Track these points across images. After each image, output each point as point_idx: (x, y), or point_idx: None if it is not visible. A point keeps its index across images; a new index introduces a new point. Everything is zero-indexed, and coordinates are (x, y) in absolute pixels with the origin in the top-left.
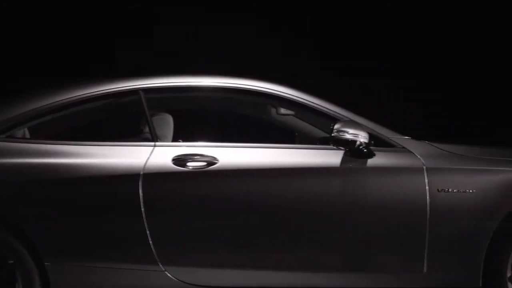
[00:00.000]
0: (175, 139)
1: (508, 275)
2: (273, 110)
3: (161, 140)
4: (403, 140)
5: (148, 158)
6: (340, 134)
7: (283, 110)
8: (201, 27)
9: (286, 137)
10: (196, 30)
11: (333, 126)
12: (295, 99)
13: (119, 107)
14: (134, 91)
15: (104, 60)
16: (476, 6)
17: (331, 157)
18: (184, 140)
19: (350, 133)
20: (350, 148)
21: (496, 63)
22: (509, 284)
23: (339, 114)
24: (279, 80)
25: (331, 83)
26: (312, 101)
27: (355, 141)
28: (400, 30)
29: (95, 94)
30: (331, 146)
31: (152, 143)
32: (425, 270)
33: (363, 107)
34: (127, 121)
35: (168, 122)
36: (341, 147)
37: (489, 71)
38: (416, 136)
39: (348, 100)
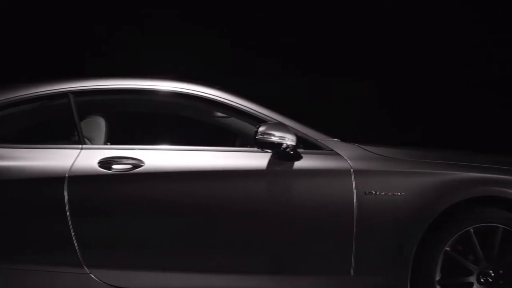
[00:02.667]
0: (113, 142)
1: (437, 278)
2: (212, 112)
3: (91, 143)
4: (332, 143)
5: (74, 161)
6: (265, 136)
7: (219, 113)
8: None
9: (226, 139)
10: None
11: (258, 128)
12: (221, 101)
13: (49, 110)
14: (64, 94)
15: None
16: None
17: (257, 160)
18: (115, 143)
19: (276, 136)
20: (276, 150)
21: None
22: (438, 287)
23: (268, 116)
24: (211, 82)
25: (273, 83)
26: (240, 103)
27: (281, 144)
28: (363, 30)
29: (24, 97)
30: (257, 149)
31: (79, 146)
32: (352, 273)
33: (300, 108)
34: (57, 124)
35: (98, 125)
36: (267, 150)
37: (457, 75)
38: (346, 138)
39: (284, 101)
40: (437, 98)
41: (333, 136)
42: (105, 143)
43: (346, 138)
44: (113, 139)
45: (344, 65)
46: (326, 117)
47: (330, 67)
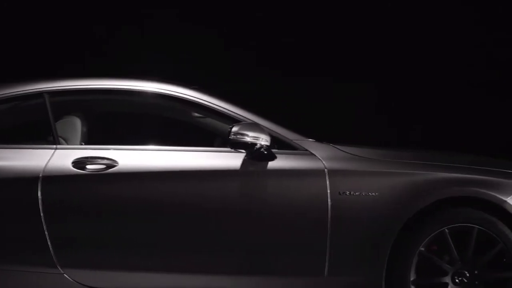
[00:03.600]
0: (89, 142)
1: (412, 278)
2: (188, 113)
3: (67, 143)
4: (306, 143)
5: (48, 161)
6: (238, 137)
7: (194, 113)
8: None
9: (203, 139)
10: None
11: (231, 129)
12: (196, 101)
13: (24, 110)
14: (39, 94)
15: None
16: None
17: (231, 160)
18: (92, 143)
19: (250, 136)
20: (250, 150)
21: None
22: (412, 287)
23: (242, 116)
24: (187, 82)
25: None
26: (214, 103)
27: (255, 144)
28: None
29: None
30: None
31: (54, 146)
32: (326, 273)
33: (299, 108)
34: (33, 124)
35: (74, 125)
36: (240, 150)
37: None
38: (321, 138)
39: (284, 101)
40: (437, 98)
41: (309, 136)
42: (80, 143)
43: (324, 138)
44: (89, 139)
45: (343, 66)
46: (323, 117)
47: (328, 68)
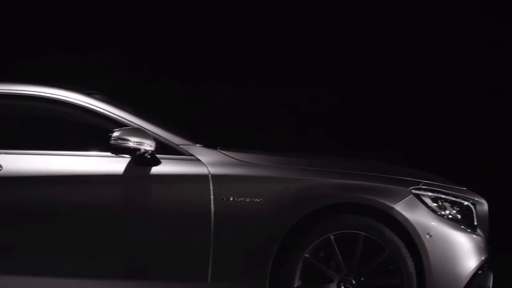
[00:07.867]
0: None
1: (296, 285)
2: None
3: None
4: (193, 148)
5: None
6: (119, 142)
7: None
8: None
9: (93, 143)
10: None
11: (112, 133)
12: (81, 105)
13: None
14: None
15: None
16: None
17: (116, 165)
18: None
19: (133, 141)
20: (133, 156)
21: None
22: None
23: (128, 120)
24: (81, 87)
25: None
26: (100, 107)
27: (138, 149)
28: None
29: None
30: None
31: None
32: (209, 279)
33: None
34: None
35: None
36: (123, 155)
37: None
38: (209, 143)
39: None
40: (436, 100)
41: (197, 141)
42: None
43: (217, 143)
44: None
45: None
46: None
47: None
